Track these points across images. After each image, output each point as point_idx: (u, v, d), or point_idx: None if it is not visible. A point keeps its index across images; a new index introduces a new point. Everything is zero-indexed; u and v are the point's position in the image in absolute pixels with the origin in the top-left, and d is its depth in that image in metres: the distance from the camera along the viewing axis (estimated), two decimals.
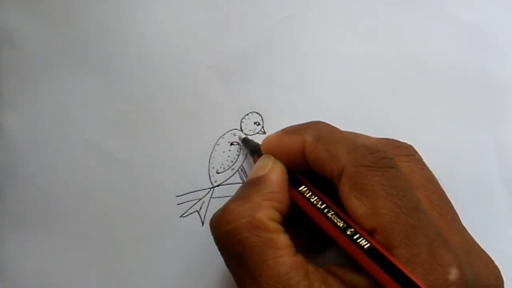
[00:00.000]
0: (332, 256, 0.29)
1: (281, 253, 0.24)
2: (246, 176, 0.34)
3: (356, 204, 0.23)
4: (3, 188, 0.35)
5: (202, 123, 0.35)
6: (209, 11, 0.36)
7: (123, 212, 0.34)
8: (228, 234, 0.25)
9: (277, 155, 0.28)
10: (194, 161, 0.35)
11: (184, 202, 0.34)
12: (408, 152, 0.27)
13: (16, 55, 0.36)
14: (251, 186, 0.27)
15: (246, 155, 0.35)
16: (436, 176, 0.34)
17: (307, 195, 0.25)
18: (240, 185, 0.34)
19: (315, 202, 0.25)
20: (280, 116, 0.35)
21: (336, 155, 0.25)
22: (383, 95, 0.35)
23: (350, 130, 0.34)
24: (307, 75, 0.35)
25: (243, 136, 0.34)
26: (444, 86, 0.35)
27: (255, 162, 0.30)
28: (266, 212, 0.25)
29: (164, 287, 0.33)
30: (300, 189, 0.26)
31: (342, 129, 0.34)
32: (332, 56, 0.35)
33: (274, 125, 0.35)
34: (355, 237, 0.23)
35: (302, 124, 0.28)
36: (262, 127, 0.35)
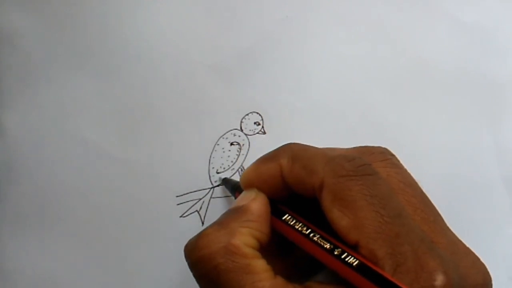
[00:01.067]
0: (323, 278, 0.28)
1: (259, 277, 0.23)
2: None
3: (338, 217, 0.23)
4: (3, 188, 0.35)
5: (202, 123, 0.35)
6: (209, 11, 0.36)
7: (122, 212, 0.34)
8: (203, 260, 0.24)
9: (258, 186, 0.27)
10: (194, 161, 0.35)
11: (184, 202, 0.34)
12: (383, 157, 0.26)
13: (16, 55, 0.36)
14: (230, 213, 0.26)
15: (246, 155, 0.35)
16: (436, 176, 0.34)
17: (291, 223, 0.25)
18: None
19: (299, 228, 0.25)
20: (280, 116, 0.35)
21: (314, 170, 0.24)
22: (383, 96, 0.35)
23: (350, 131, 0.34)
24: (307, 75, 0.35)
25: (223, 177, 0.34)
26: (444, 87, 0.35)
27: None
28: (243, 238, 0.24)
29: (164, 287, 0.33)
30: (283, 218, 0.26)
31: (342, 129, 0.34)
32: (332, 57, 0.35)
33: (274, 125, 0.35)
34: (343, 256, 0.23)
35: (275, 150, 0.27)
36: (262, 127, 0.35)
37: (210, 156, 0.35)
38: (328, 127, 0.35)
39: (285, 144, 0.27)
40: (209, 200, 0.34)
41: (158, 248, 0.34)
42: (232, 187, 0.31)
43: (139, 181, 0.34)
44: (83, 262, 0.34)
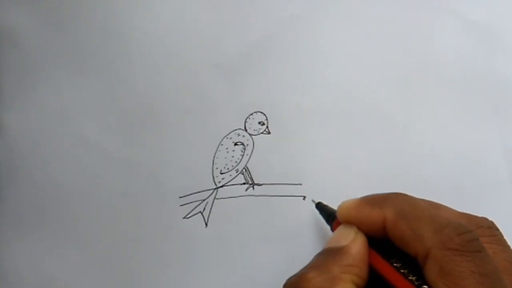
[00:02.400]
0: None
1: None
2: (251, 177, 0.34)
3: None
4: (3, 188, 0.35)
5: (206, 123, 0.35)
6: (213, 10, 0.35)
7: (125, 213, 0.34)
8: None
9: (356, 224, 0.27)
10: (197, 161, 0.34)
11: (188, 203, 0.34)
12: (490, 232, 0.26)
13: (17, 54, 0.36)
14: (331, 255, 0.26)
15: (251, 155, 0.34)
16: (443, 177, 0.33)
17: (402, 271, 0.25)
18: (244, 186, 0.34)
19: (414, 279, 0.24)
20: (284, 116, 0.35)
21: (421, 236, 0.24)
22: (389, 95, 0.35)
23: (356, 131, 0.34)
24: (312, 74, 0.35)
25: (317, 201, 0.32)
26: (452, 86, 0.35)
27: (333, 230, 0.29)
28: (345, 286, 0.24)
29: None
30: (395, 264, 0.25)
31: (348, 129, 0.33)
32: (337, 55, 0.35)
33: (279, 125, 0.34)
34: None
35: (382, 195, 0.27)
36: (267, 127, 0.34)
37: (214, 157, 0.34)
38: (334, 127, 0.34)
39: (394, 193, 0.27)
40: (213, 201, 0.34)
41: (161, 250, 0.33)
42: (329, 216, 0.30)
43: (142, 181, 0.34)
44: (85, 263, 0.34)
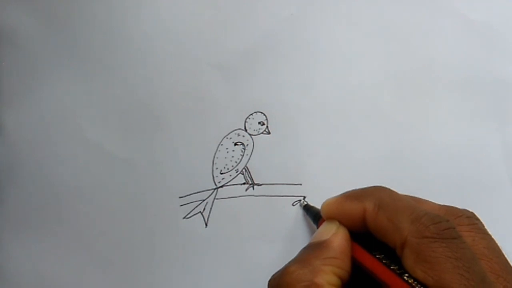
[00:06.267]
0: None
1: None
2: (251, 177, 0.34)
3: (422, 278, 0.23)
4: (3, 188, 0.35)
5: (206, 123, 0.34)
6: (213, 10, 0.35)
7: (125, 213, 0.34)
8: None
9: (338, 220, 0.28)
10: (197, 161, 0.34)
11: (188, 203, 0.34)
12: (469, 221, 0.27)
13: (17, 54, 0.36)
14: (312, 249, 0.27)
15: (251, 155, 0.34)
16: (443, 177, 0.33)
17: (384, 262, 0.25)
18: (244, 186, 0.34)
19: (393, 267, 0.24)
20: (284, 115, 0.34)
21: (399, 225, 0.25)
22: (389, 95, 0.35)
23: (356, 131, 0.34)
24: (311, 74, 0.35)
25: (305, 203, 0.33)
26: (451, 86, 0.35)
27: (318, 227, 0.29)
28: (326, 277, 0.25)
29: None
30: (377, 256, 0.25)
31: (348, 129, 0.33)
32: (337, 55, 0.35)
33: (279, 125, 0.34)
34: None
35: (363, 190, 0.28)
36: (267, 127, 0.34)
37: (214, 157, 0.34)
38: (334, 127, 0.34)
39: (374, 187, 0.28)
40: (213, 201, 0.34)
41: (161, 250, 0.33)
42: (315, 216, 0.31)
43: (142, 181, 0.34)
44: (85, 263, 0.34)
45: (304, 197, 0.33)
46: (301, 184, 0.34)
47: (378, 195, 0.27)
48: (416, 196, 0.28)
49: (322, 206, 0.29)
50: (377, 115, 0.34)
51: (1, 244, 0.34)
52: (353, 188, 0.28)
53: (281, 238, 0.33)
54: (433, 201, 0.28)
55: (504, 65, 0.35)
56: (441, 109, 0.35)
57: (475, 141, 0.34)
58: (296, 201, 0.34)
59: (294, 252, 0.27)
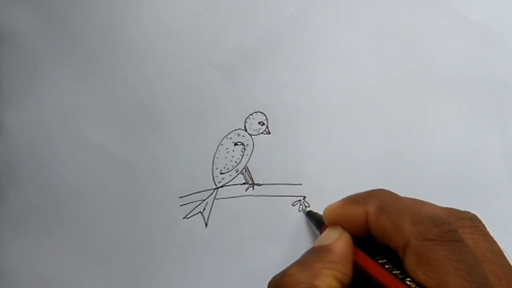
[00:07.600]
0: None
1: None
2: (251, 177, 0.34)
3: (424, 280, 0.23)
4: (3, 188, 0.35)
5: (206, 123, 0.34)
6: (213, 10, 0.35)
7: (125, 214, 0.34)
8: None
9: (340, 225, 0.28)
10: (197, 161, 0.34)
11: (188, 203, 0.34)
12: (471, 223, 0.26)
13: (17, 54, 0.36)
14: (314, 253, 0.27)
15: (251, 155, 0.34)
16: (443, 178, 0.33)
17: (387, 267, 0.25)
18: (244, 186, 0.34)
19: (395, 273, 0.24)
20: (284, 116, 0.35)
21: (400, 228, 0.24)
22: (389, 95, 0.35)
23: (356, 131, 0.34)
24: (312, 74, 0.35)
25: (306, 206, 0.33)
26: (451, 85, 0.35)
27: (321, 234, 0.29)
28: (326, 280, 0.25)
29: None
30: (380, 261, 0.25)
31: (348, 130, 0.33)
32: (337, 55, 0.35)
33: (279, 125, 0.34)
34: None
35: (365, 193, 0.28)
36: (267, 127, 0.34)
37: (214, 157, 0.34)
38: (334, 127, 0.34)
39: (376, 190, 0.28)
40: (213, 201, 0.34)
41: (161, 250, 0.33)
42: (318, 222, 0.31)
43: (142, 181, 0.34)
44: (85, 263, 0.34)
45: (304, 197, 0.33)
46: (301, 184, 0.34)
47: (380, 198, 0.27)
48: (416, 196, 0.28)
49: (324, 212, 0.29)
50: (377, 115, 0.34)
51: (1, 244, 0.34)
52: (353, 188, 0.29)
53: (281, 238, 0.33)
54: (433, 201, 0.28)
55: (504, 65, 0.35)
56: (441, 109, 0.35)
57: (475, 141, 0.34)
58: (296, 201, 0.34)
59: (294, 252, 0.28)
